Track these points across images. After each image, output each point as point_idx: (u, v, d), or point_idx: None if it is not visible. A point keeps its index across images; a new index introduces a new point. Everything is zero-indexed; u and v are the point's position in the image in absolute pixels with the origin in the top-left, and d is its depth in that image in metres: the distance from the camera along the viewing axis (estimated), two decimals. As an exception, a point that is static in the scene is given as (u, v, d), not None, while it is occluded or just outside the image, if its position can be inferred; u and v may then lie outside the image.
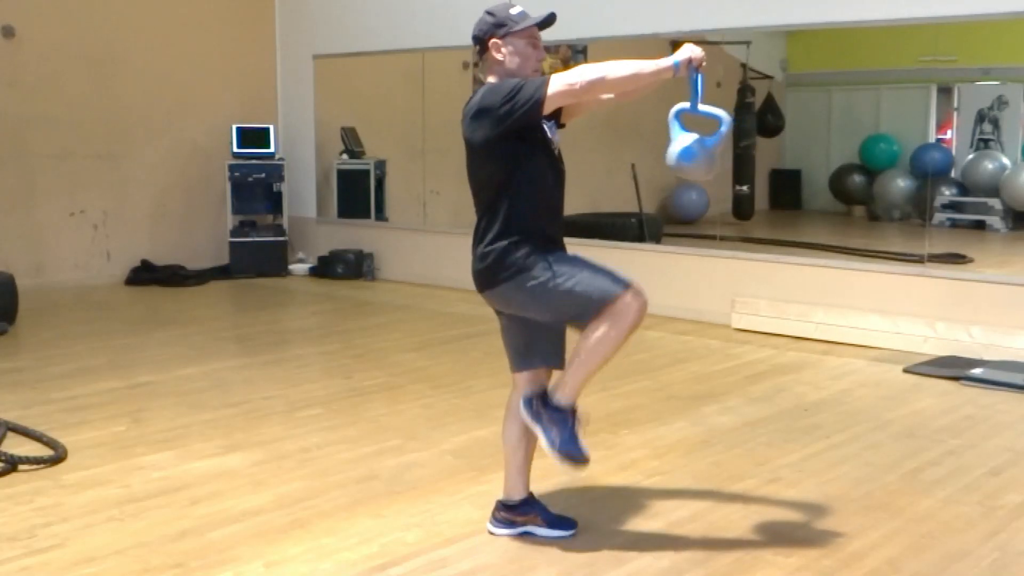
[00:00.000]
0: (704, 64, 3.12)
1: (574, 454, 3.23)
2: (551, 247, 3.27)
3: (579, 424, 3.27)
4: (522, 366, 3.39)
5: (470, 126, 3.22)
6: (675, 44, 9.08)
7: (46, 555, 3.34)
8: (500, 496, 3.51)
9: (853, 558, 3.30)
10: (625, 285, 3.15)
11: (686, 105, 3.24)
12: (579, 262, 3.23)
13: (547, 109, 3.12)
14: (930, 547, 3.40)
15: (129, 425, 4.81)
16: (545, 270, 3.17)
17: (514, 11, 3.28)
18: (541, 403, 3.26)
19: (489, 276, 3.25)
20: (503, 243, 3.20)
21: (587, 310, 3.16)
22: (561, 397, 3.25)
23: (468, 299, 7.89)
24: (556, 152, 3.33)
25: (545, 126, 3.27)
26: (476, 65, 3.24)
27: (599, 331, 3.14)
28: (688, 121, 3.28)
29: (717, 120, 3.25)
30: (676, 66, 3.09)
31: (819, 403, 5.23)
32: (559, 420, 3.23)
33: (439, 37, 8.57)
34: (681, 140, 3.23)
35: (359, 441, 4.57)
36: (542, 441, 3.25)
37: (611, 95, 3.34)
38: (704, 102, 3.20)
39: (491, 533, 3.47)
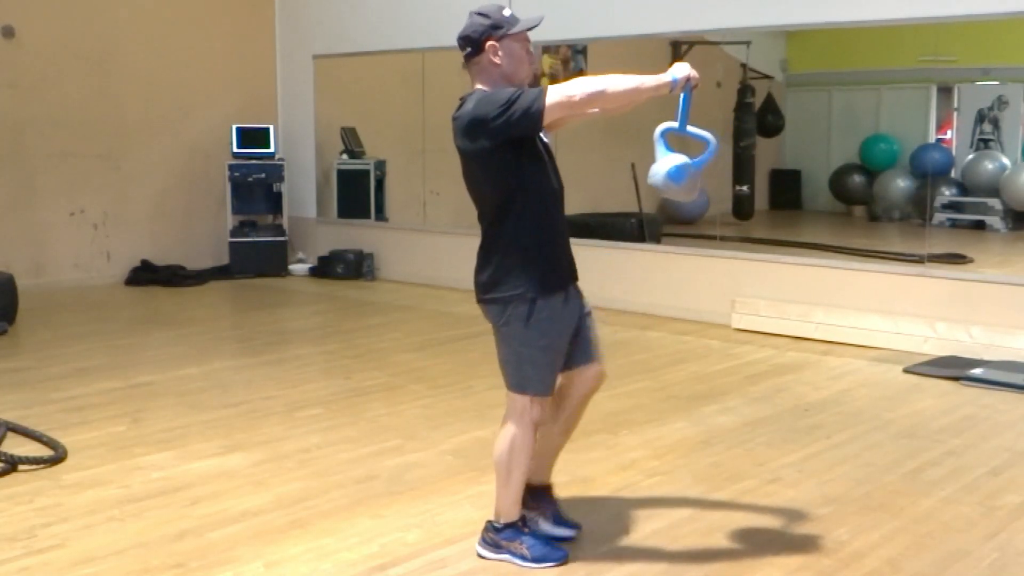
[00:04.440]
0: (698, 85, 3.11)
1: (550, 556, 3.28)
2: (550, 279, 3.21)
3: (539, 521, 3.37)
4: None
5: (463, 137, 3.13)
6: (675, 44, 9.09)
7: (46, 555, 3.34)
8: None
9: (853, 558, 3.30)
10: (540, 393, 3.22)
11: (673, 124, 3.21)
12: (547, 337, 3.19)
13: (545, 121, 3.04)
14: (930, 547, 3.40)
15: (129, 425, 4.81)
16: (518, 320, 3.17)
17: (506, 13, 3.20)
18: (492, 533, 3.31)
19: (483, 290, 3.25)
20: (507, 262, 3.17)
21: (508, 381, 3.26)
22: (503, 518, 3.30)
23: (468, 299, 7.86)
24: (553, 158, 3.30)
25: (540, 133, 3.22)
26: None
27: (504, 435, 3.25)
28: (673, 142, 3.26)
29: (704, 142, 3.23)
30: (674, 82, 3.07)
31: (819, 403, 5.23)
32: (514, 536, 3.29)
33: (439, 37, 8.54)
34: (668, 160, 3.20)
35: (359, 441, 4.58)
36: (516, 563, 3.27)
37: (606, 109, 3.24)
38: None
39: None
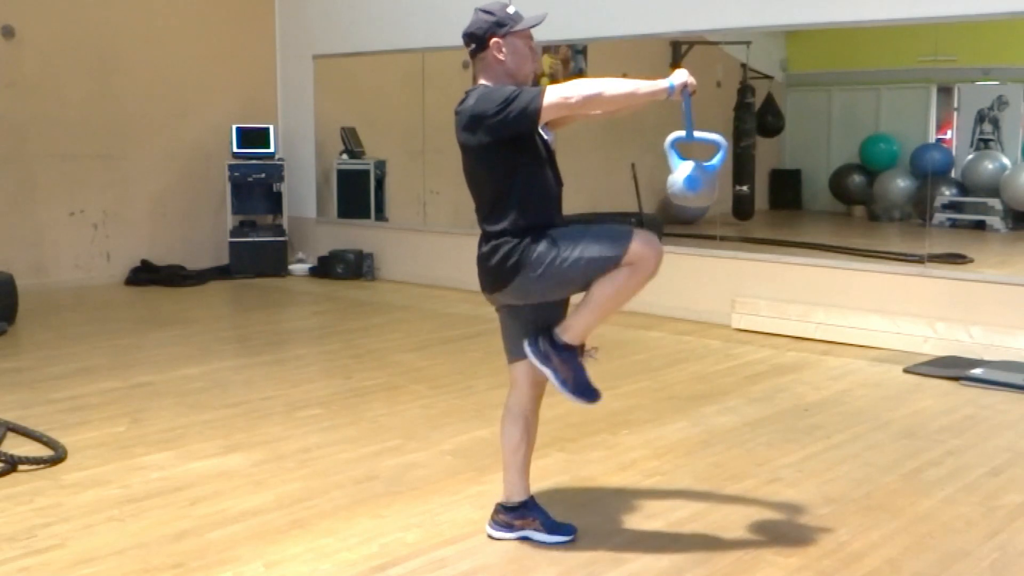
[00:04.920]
0: (695, 92, 3.12)
1: (588, 392, 3.26)
2: (543, 233, 3.23)
3: (587, 358, 3.30)
4: (519, 354, 3.38)
5: (464, 131, 3.19)
6: (675, 44, 9.07)
7: (46, 555, 3.34)
8: (500, 498, 3.50)
9: (853, 558, 3.30)
10: (629, 238, 3.13)
11: (681, 134, 3.23)
12: (578, 231, 3.19)
13: (541, 121, 3.09)
14: (930, 547, 3.40)
15: (129, 425, 4.81)
16: (549, 248, 3.15)
17: (510, 10, 3.25)
18: (549, 344, 3.25)
19: (497, 277, 3.24)
20: (508, 242, 3.18)
21: (602, 273, 3.16)
22: (569, 338, 3.25)
23: (468, 299, 7.90)
24: (553, 156, 3.32)
25: (541, 130, 3.25)
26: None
27: (618, 280, 3.14)
28: (684, 148, 3.27)
29: (715, 145, 3.24)
30: (671, 88, 3.09)
31: (819, 403, 5.23)
32: (568, 359, 3.24)
33: (439, 37, 8.57)
34: (682, 169, 3.22)
35: (359, 441, 4.58)
36: (552, 382, 3.25)
37: (602, 111, 3.29)
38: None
39: (490, 536, 3.46)
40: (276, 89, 10.24)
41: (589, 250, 3.13)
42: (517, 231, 3.19)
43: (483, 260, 3.27)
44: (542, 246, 3.16)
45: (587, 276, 3.17)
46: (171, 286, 8.93)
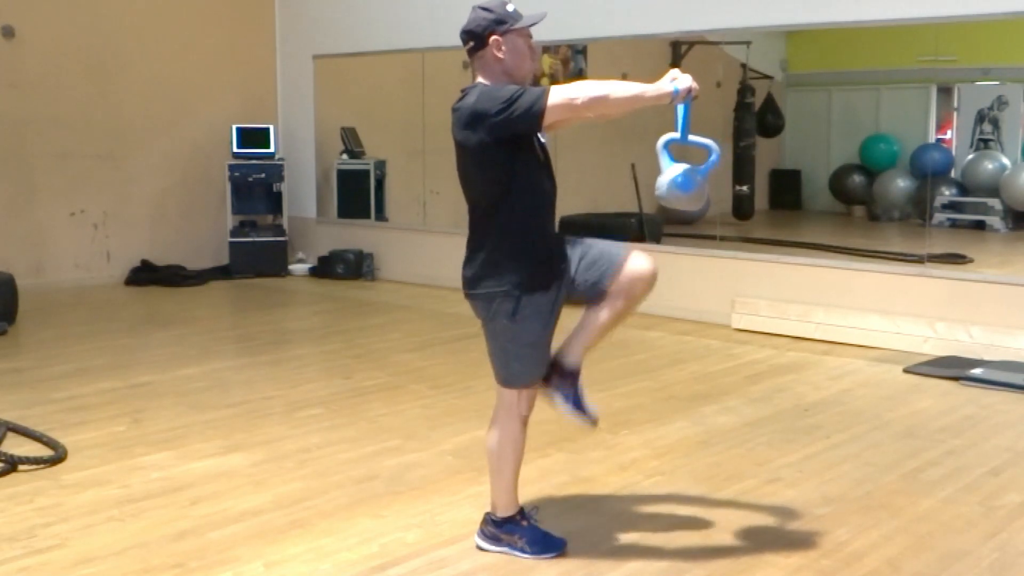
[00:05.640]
0: (698, 96, 3.12)
1: (548, 548, 3.33)
2: (535, 277, 3.19)
3: (532, 514, 3.42)
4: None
5: (462, 129, 3.14)
6: (675, 44, 9.05)
7: (46, 555, 3.34)
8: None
9: (853, 558, 3.30)
10: (527, 387, 3.28)
11: (675, 135, 3.21)
12: (533, 334, 3.20)
13: (545, 122, 3.06)
14: (930, 547, 3.40)
15: (129, 425, 4.81)
16: (503, 317, 3.19)
17: (510, 8, 3.21)
18: (491, 526, 3.38)
19: (469, 284, 3.26)
20: (494, 257, 3.18)
21: (499, 377, 3.32)
22: (500, 512, 3.38)
23: (468, 299, 7.90)
24: (549, 159, 3.30)
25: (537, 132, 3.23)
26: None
27: (494, 429, 3.37)
28: (676, 151, 3.27)
29: (707, 150, 3.24)
30: (676, 93, 3.07)
31: (819, 403, 5.23)
32: (513, 530, 3.34)
33: (439, 37, 8.55)
34: (672, 170, 3.21)
35: (359, 441, 4.58)
36: (516, 555, 3.31)
37: (606, 114, 3.25)
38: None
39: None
40: (276, 89, 10.24)
41: (513, 362, 3.26)
42: (508, 247, 3.17)
43: (465, 264, 3.26)
44: (506, 309, 3.17)
45: (495, 363, 3.32)
46: (171, 286, 8.93)
